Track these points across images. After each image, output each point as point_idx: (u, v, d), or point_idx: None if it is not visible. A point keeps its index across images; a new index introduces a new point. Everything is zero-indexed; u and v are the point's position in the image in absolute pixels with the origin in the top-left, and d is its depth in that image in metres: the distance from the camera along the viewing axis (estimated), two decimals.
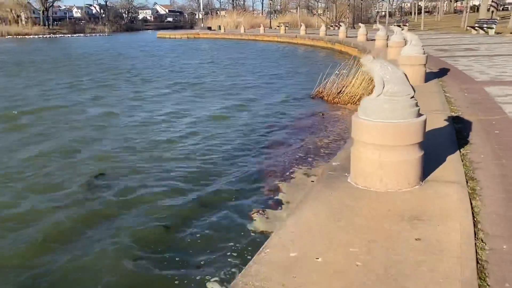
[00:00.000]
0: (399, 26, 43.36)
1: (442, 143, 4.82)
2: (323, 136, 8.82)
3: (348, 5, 53.32)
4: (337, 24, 49.84)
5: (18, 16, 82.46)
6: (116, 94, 15.01)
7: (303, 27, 39.81)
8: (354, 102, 11.10)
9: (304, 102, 12.65)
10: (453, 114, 6.48)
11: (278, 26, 50.92)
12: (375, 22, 54.27)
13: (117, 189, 6.22)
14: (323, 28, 35.39)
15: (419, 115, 3.54)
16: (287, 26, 52.49)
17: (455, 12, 73.59)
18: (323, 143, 8.26)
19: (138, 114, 11.56)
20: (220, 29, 56.49)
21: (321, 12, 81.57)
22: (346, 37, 30.54)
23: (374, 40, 19.45)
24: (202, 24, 71.45)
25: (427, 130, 3.63)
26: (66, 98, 14.27)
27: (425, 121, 3.53)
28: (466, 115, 6.46)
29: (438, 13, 65.94)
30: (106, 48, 43.07)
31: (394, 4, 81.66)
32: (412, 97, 3.50)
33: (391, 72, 3.48)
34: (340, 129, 9.26)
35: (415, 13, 66.57)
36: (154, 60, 28.36)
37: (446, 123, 5.69)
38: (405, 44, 9.72)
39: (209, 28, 62.70)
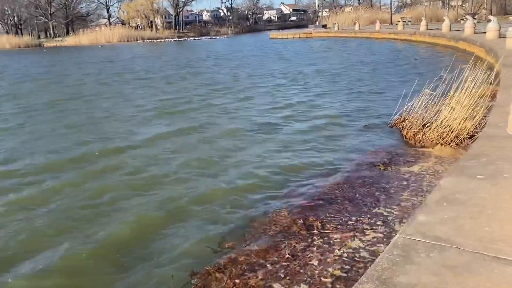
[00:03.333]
0: None
1: None
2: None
3: None
4: (473, 17, 42.73)
5: (151, 22, 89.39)
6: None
7: (423, 22, 34.61)
8: (447, 143, 7.37)
9: (372, 136, 8.77)
10: None
11: (399, 22, 45.68)
12: None
13: None
14: (446, 22, 30.04)
15: None
16: (409, 21, 47.05)
17: None
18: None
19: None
20: (334, 27, 53.11)
21: (459, 4, 72.34)
22: (474, 33, 25.28)
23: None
24: (317, 22, 68.66)
25: None
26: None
27: None
28: None
29: None
30: (217, 50, 43.52)
31: None
32: None
33: None
34: (403, 206, 5.25)
35: None
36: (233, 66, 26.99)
37: None
38: None
39: (324, 26, 59.65)
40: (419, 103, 8.46)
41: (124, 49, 55.75)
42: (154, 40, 78.41)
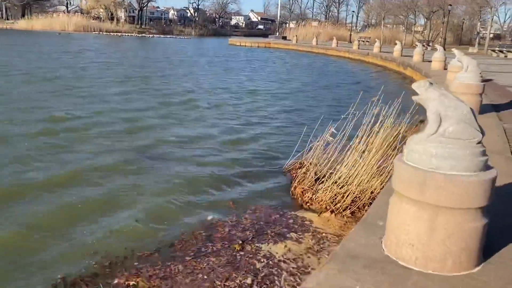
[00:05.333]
0: (501, 51, 36.00)
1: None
2: None
3: (443, 23, 45.97)
4: (428, 44, 43.17)
5: (112, 14, 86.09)
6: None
7: (377, 44, 34.28)
8: (339, 210, 5.60)
9: (255, 187, 6.72)
10: None
11: (358, 41, 45.60)
12: (478, 44, 46.49)
13: None
14: (398, 46, 29.70)
15: (488, 167, 2.59)
16: (367, 41, 47.07)
17: None
18: None
19: None
20: (293, 39, 52.45)
21: (419, 30, 73.90)
22: (423, 60, 24.88)
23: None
24: (277, 33, 68.10)
25: None
26: None
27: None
28: None
29: None
30: (173, 51, 41.54)
31: (506, 26, 71.04)
32: (479, 142, 2.57)
33: (452, 106, 2.59)
34: None
35: None
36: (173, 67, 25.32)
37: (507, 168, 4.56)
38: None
39: (284, 38, 59.03)
40: (317, 148, 6.70)
41: (75, 39, 52.77)
42: (111, 33, 75.21)
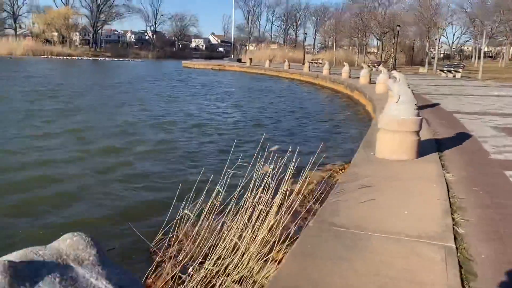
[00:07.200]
0: (449, 71, 36.35)
1: None
2: None
3: (393, 44, 46.50)
4: (377, 65, 43.33)
5: (63, 37, 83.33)
6: None
7: (326, 66, 33.78)
8: None
9: None
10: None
11: (311, 62, 45.37)
12: (428, 64, 47.15)
13: None
14: (345, 68, 29.20)
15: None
16: (320, 63, 46.93)
17: None
18: None
19: None
20: (249, 61, 51.83)
21: (373, 52, 75.27)
22: (369, 82, 24.34)
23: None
24: (232, 56, 67.58)
25: None
26: None
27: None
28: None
29: (502, 58, 57.16)
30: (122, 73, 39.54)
31: (454, 47, 73.47)
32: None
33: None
34: None
35: (476, 57, 58.33)
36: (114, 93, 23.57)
37: None
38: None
39: (239, 60, 58.51)
40: (177, 229, 4.83)
41: (17, 64, 50.02)
42: (61, 57, 72.45)
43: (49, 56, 73.98)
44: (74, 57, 76.00)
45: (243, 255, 4.34)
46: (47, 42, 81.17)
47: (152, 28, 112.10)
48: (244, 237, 4.46)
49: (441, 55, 71.52)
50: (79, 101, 19.18)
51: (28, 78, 30.37)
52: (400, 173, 5.66)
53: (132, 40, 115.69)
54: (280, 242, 4.40)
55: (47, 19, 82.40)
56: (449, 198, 4.69)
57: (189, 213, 4.84)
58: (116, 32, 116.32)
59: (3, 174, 7.89)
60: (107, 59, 79.92)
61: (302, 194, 5.30)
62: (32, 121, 13.71)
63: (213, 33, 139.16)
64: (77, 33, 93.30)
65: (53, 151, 9.75)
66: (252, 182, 4.83)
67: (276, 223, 4.54)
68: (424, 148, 6.74)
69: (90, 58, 77.59)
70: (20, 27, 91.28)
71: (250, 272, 4.20)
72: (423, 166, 6.04)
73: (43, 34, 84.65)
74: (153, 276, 4.52)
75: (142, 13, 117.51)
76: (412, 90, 10.28)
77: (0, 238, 5.32)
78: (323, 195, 5.47)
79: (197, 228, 4.83)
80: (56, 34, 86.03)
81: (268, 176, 4.92)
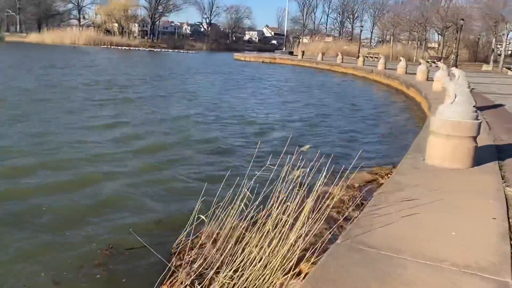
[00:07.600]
0: (508, 68, 33.79)
1: None
2: None
3: (456, 39, 43.79)
4: (437, 60, 41.07)
5: (122, 28, 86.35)
6: None
7: (381, 60, 32.32)
8: None
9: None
10: None
11: (366, 56, 43.85)
12: (493, 61, 44.16)
13: None
14: (402, 63, 27.77)
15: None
16: (376, 57, 45.23)
17: None
18: None
19: None
20: (301, 54, 50.96)
21: (433, 47, 71.57)
22: (427, 79, 22.96)
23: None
24: (283, 48, 66.76)
25: None
26: None
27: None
28: None
29: None
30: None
31: None
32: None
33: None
34: None
35: None
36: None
37: None
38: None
39: (290, 53, 57.61)
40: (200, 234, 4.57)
41: (81, 52, 52.37)
42: (119, 47, 74.99)
43: (109, 46, 76.93)
44: (131, 48, 78.58)
45: (265, 267, 3.94)
46: (107, 33, 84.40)
47: (207, 20, 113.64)
48: (267, 248, 4.05)
49: (509, 52, 66.76)
50: (130, 93, 19.45)
51: (88, 68, 31.47)
52: (451, 185, 5.00)
53: (188, 32, 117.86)
54: (311, 252, 3.97)
55: (108, 10, 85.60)
56: (509, 219, 4.01)
57: (210, 218, 4.52)
58: (172, 24, 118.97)
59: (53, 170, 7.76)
60: (163, 50, 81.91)
61: (338, 199, 4.82)
62: (91, 111, 13.90)
63: (267, 26, 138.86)
64: (136, 24, 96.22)
65: (93, 146, 9.70)
66: (280, 185, 4.40)
67: (305, 231, 4.08)
68: (481, 156, 5.97)
69: (147, 49, 79.80)
70: (84, 18, 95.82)
71: None
72: (478, 177, 5.31)
73: (104, 24, 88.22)
74: (168, 283, 4.25)
75: (198, 5, 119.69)
76: (472, 89, 9.32)
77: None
78: (365, 202, 5.00)
79: (218, 234, 4.52)
80: (116, 25, 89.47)
81: (298, 179, 4.46)
